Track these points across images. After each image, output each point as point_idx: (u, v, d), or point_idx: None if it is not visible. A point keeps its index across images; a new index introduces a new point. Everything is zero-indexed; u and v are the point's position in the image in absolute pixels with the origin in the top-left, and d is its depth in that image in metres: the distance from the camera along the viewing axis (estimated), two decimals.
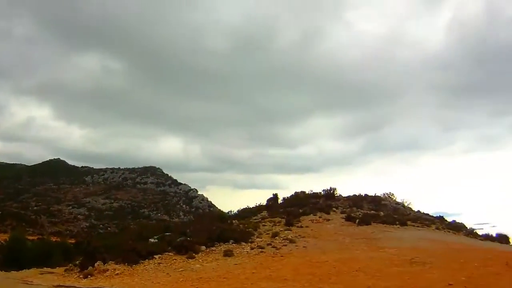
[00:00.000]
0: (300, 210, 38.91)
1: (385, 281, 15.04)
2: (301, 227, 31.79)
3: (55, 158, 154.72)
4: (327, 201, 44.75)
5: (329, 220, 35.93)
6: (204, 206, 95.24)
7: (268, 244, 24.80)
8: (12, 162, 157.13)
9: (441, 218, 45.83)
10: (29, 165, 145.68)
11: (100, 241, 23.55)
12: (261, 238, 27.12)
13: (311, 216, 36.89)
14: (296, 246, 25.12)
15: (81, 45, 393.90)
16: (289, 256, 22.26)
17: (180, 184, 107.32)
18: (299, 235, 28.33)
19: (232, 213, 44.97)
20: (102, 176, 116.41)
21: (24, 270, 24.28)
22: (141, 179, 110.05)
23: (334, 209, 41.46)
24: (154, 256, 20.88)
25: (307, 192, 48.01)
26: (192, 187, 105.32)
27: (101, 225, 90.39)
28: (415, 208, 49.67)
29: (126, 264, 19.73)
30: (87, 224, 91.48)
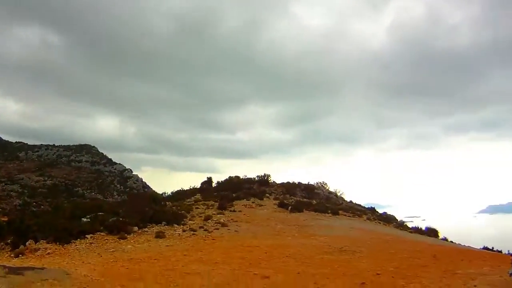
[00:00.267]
0: (234, 195, 39.14)
1: (315, 268, 15.17)
2: (234, 211, 31.96)
3: None
4: (261, 187, 45.22)
5: (262, 205, 36.32)
6: (138, 186, 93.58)
7: (200, 227, 24.71)
8: None
9: (372, 209, 47.29)
10: None
11: (33, 220, 22.57)
12: (193, 220, 26.97)
13: (245, 201, 37.20)
14: (228, 230, 25.17)
15: (22, 17, 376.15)
16: (221, 239, 22.26)
17: (115, 163, 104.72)
18: (232, 219, 28.42)
19: (166, 195, 44.59)
20: (36, 153, 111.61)
21: None
22: (76, 157, 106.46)
23: (267, 195, 41.97)
24: (86, 236, 20.24)
25: (241, 177, 48.27)
26: (127, 167, 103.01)
27: (34, 203, 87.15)
28: (347, 198, 51.06)
29: (58, 243, 19.03)
30: (20, 202, 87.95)
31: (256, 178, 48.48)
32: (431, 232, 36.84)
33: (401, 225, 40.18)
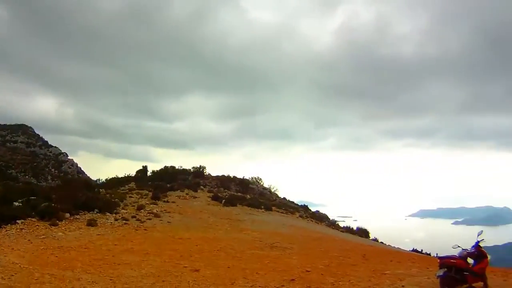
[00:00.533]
0: (168, 185, 38.90)
1: (245, 263, 15.36)
2: (168, 202, 31.79)
3: None
4: (195, 178, 45.12)
5: (196, 197, 36.31)
6: (73, 171, 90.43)
7: (132, 217, 24.41)
8: None
9: (305, 207, 48.23)
10: None
11: None
12: (126, 209, 26.61)
13: (179, 192, 37.04)
14: (161, 221, 25.01)
15: None
16: (153, 230, 22.10)
17: (51, 146, 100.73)
18: (165, 210, 28.27)
19: (100, 181, 43.63)
20: None
21: None
22: (11, 137, 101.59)
23: (202, 187, 41.99)
24: (17, 221, 19.62)
25: (177, 168, 47.93)
26: (63, 151, 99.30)
27: None
28: (281, 194, 51.78)
29: None
30: None
31: (192, 169, 48.33)
32: (362, 232, 38.01)
33: (333, 224, 41.23)
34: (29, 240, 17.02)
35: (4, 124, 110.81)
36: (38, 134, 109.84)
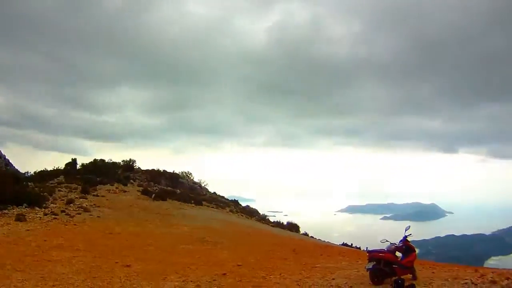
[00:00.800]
0: (98, 179, 38.04)
1: (176, 258, 15.42)
2: (97, 196, 31.15)
3: None
4: (125, 172, 44.42)
5: (126, 191, 35.81)
6: (1, 164, 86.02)
7: (62, 211, 23.74)
8: None
9: (235, 202, 48.61)
10: None
11: None
12: (55, 204, 25.80)
13: (108, 186, 36.34)
14: (91, 215, 24.52)
15: None
16: (83, 225, 21.65)
17: None
18: (95, 204, 27.68)
19: (28, 174, 41.88)
20: None
21: None
22: None
23: (132, 181, 41.41)
24: None
25: (106, 161, 46.91)
26: None
27: None
28: (211, 189, 51.85)
29: None
30: None
31: (122, 163, 47.51)
32: (292, 227, 38.76)
33: (263, 219, 41.82)
34: None
35: None
36: None
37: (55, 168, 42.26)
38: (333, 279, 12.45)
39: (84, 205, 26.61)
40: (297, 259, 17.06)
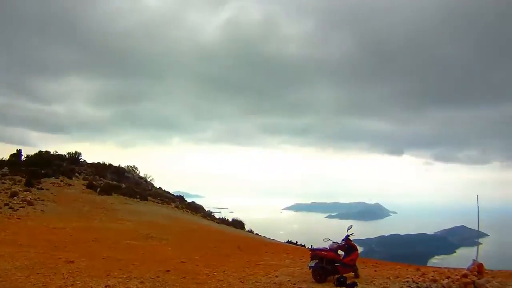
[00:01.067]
0: (43, 171, 36.95)
1: (121, 254, 15.32)
2: (42, 189, 30.29)
3: None
4: (71, 165, 43.26)
5: (70, 185, 34.94)
6: None
7: (5, 204, 23.05)
8: None
9: (181, 198, 48.19)
10: None
11: None
12: None
13: (53, 179, 35.34)
14: (35, 209, 23.94)
15: None
16: (26, 219, 21.13)
17: None
18: (39, 198, 26.96)
19: None
20: None
21: None
22: None
23: (77, 174, 40.39)
24: None
25: (52, 153, 45.55)
26: None
27: None
28: (157, 184, 51.15)
29: None
30: None
31: (67, 155, 46.27)
32: (237, 224, 38.74)
33: (209, 215, 41.74)
34: None
35: None
36: None
37: None
38: (277, 276, 12.69)
39: (28, 198, 25.92)
40: (241, 256, 17.26)
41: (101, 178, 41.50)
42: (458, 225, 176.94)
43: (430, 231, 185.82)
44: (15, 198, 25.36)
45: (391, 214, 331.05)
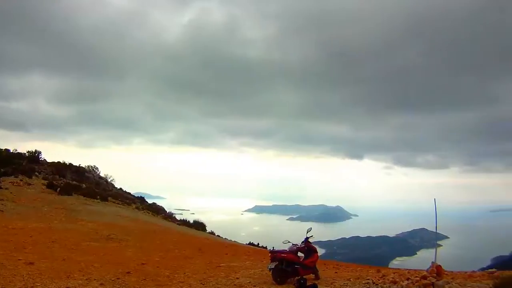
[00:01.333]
0: (2, 170, 35.92)
1: (81, 255, 15.11)
2: (1, 188, 29.42)
3: None
4: (30, 164, 42.19)
5: (30, 184, 34.07)
6: None
7: None
8: None
9: (142, 199, 47.61)
10: None
11: None
12: None
13: (12, 178, 34.39)
14: None
15: None
16: None
17: None
18: None
19: None
20: None
21: None
22: None
23: (37, 173, 39.43)
24: None
25: (11, 151, 44.26)
26: None
27: None
28: (117, 185, 50.32)
29: None
30: None
31: (27, 154, 45.07)
32: (199, 225, 38.58)
33: (170, 217, 41.38)
34: None
35: None
36: None
37: None
38: (237, 278, 12.76)
39: None
40: (202, 258, 17.27)
41: (61, 178, 40.61)
42: (418, 228, 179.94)
43: (391, 233, 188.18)
44: None
45: (352, 217, 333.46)
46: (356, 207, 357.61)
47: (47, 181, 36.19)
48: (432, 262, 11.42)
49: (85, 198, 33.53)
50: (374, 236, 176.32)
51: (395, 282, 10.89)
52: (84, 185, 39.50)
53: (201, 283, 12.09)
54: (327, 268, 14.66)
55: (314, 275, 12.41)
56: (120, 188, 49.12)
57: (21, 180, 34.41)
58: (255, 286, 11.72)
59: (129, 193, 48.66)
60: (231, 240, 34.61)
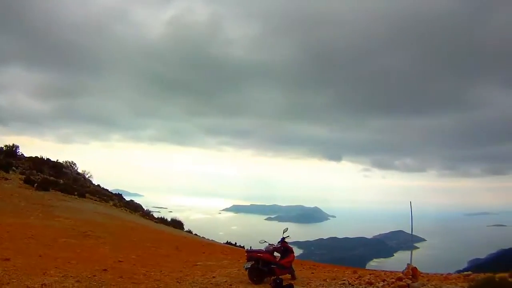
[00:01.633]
0: None
1: (57, 252, 14.87)
2: None
3: None
4: (7, 158, 41.45)
5: (7, 179, 33.44)
6: None
7: None
8: None
9: (119, 196, 47.15)
10: None
11: None
12: None
13: None
14: None
15: None
16: None
17: None
18: None
19: None
20: None
21: None
22: None
23: (14, 168, 38.74)
24: None
25: None
26: None
27: None
28: (95, 181, 49.72)
29: None
30: None
31: (4, 148, 44.23)
32: (176, 224, 38.45)
33: (147, 214, 41.12)
34: None
35: None
36: None
37: None
38: (214, 277, 12.73)
39: None
40: (179, 256, 17.22)
41: (39, 173, 39.96)
42: (396, 230, 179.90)
43: (368, 235, 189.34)
44: None
45: (329, 218, 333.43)
46: (334, 208, 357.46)
47: (24, 176, 35.56)
48: (408, 264, 11.52)
49: (62, 194, 33.06)
50: (352, 237, 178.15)
51: (371, 283, 10.96)
52: (61, 181, 38.94)
53: (178, 282, 12.05)
54: (303, 268, 14.73)
55: (290, 275, 12.48)
56: (98, 185, 48.60)
57: None
58: (231, 285, 11.72)
59: (107, 190, 48.15)
60: (208, 239, 34.52)
